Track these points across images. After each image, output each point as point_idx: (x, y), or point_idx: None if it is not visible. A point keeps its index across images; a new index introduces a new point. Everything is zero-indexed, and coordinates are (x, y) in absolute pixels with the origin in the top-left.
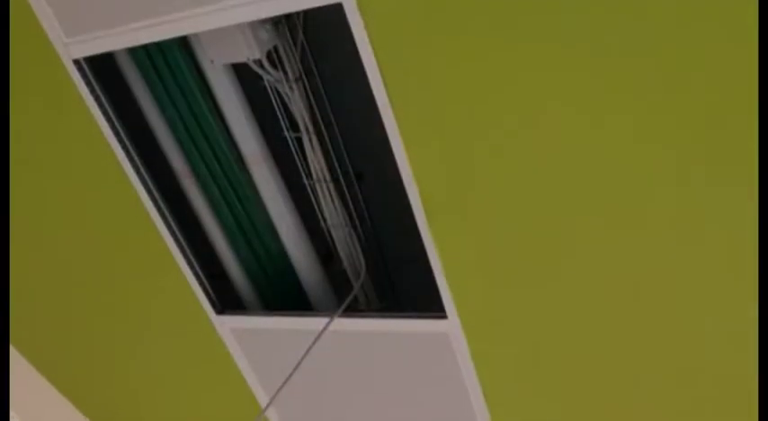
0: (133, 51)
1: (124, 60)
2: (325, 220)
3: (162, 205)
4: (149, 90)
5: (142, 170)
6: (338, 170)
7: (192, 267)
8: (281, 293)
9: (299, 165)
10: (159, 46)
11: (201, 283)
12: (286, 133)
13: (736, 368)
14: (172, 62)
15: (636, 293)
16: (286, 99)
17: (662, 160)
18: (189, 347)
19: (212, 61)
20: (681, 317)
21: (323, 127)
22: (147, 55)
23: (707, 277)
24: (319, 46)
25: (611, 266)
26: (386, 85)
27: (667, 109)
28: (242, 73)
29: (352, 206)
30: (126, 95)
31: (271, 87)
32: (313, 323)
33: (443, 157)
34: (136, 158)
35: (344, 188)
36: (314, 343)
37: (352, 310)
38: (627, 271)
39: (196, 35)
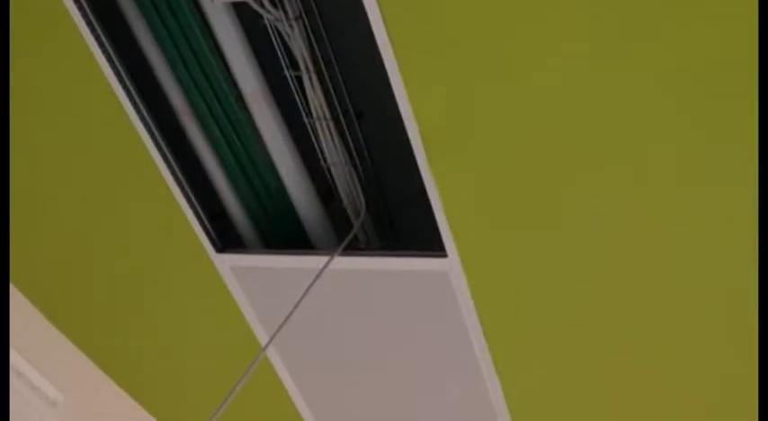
0: None
1: None
2: (325, 159)
3: (162, 143)
4: (149, 29)
5: (142, 108)
6: (338, 109)
7: (191, 206)
8: (281, 232)
9: (299, 103)
10: None
11: (201, 222)
12: (286, 72)
13: (734, 319)
14: (172, 1)
15: (634, 236)
16: (286, 38)
17: (662, 107)
18: (189, 286)
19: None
20: (677, 264)
21: (323, 65)
22: None
23: (705, 224)
24: None
25: (609, 208)
26: (385, 22)
27: (668, 55)
28: (242, 11)
29: (352, 145)
30: (126, 34)
31: (271, 26)
32: (313, 261)
33: (444, 96)
34: (136, 97)
35: (344, 127)
36: (314, 281)
37: (352, 249)
38: (625, 214)
39: None
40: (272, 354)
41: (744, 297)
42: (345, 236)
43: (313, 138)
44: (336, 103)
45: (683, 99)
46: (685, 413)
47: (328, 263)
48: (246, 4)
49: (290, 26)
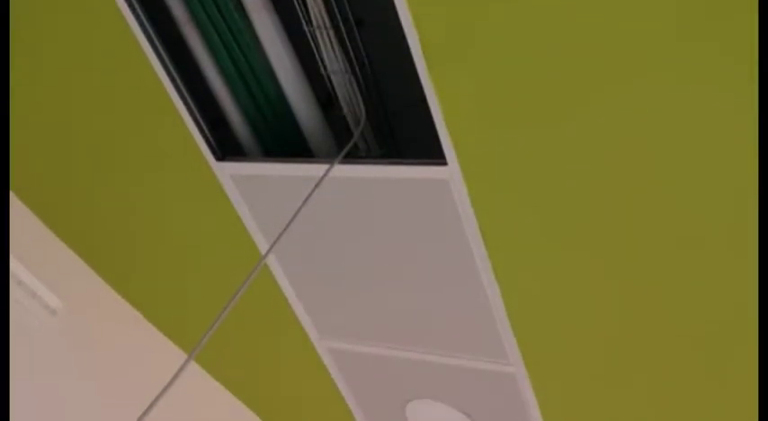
0: None
1: None
2: (325, 67)
3: (162, 52)
4: None
5: (143, 18)
6: (338, 16)
7: (191, 114)
8: (281, 140)
9: (299, 11)
10: None
11: (201, 130)
12: None
13: (735, 224)
14: None
15: (634, 145)
16: None
17: (662, 11)
18: (189, 194)
19: None
20: (679, 169)
21: None
22: None
23: (705, 134)
24: None
25: (610, 118)
26: None
27: None
28: None
29: (352, 53)
30: None
31: None
32: (313, 169)
33: (443, 3)
34: (137, 6)
35: (344, 35)
36: (314, 189)
37: (352, 157)
38: (626, 126)
39: None
40: (273, 263)
41: (744, 198)
42: (345, 144)
43: (313, 47)
44: (336, 10)
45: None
46: (686, 320)
47: (328, 171)
48: None
49: None
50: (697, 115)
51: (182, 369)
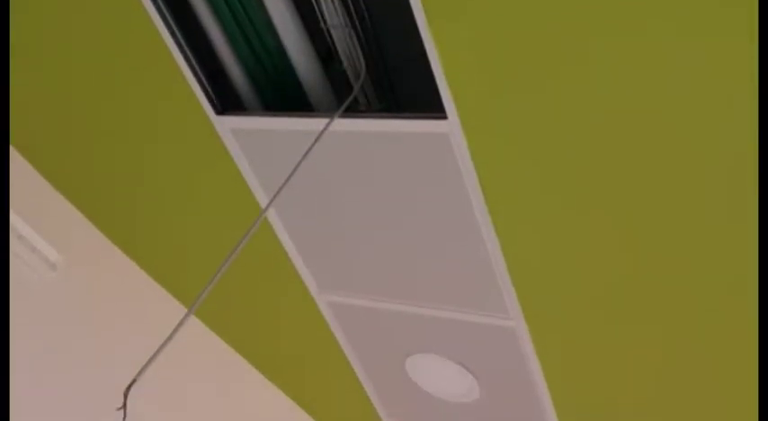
0: None
1: None
2: (324, 21)
3: (162, 5)
4: None
5: None
6: None
7: (191, 67)
8: (281, 94)
9: None
10: None
11: (201, 84)
12: None
13: (735, 187)
14: None
15: (634, 100)
16: None
17: None
18: (189, 148)
19: None
20: (680, 130)
21: None
22: None
23: (705, 84)
24: None
25: (610, 70)
26: None
27: None
28: None
29: (351, 6)
30: None
31: None
32: (313, 123)
33: None
34: None
35: None
36: (314, 143)
37: (352, 111)
38: (626, 78)
39: None
40: (272, 217)
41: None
42: (345, 98)
43: (313, 1)
44: None
45: None
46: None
47: (328, 125)
48: None
49: None
50: (697, 66)
51: (181, 323)
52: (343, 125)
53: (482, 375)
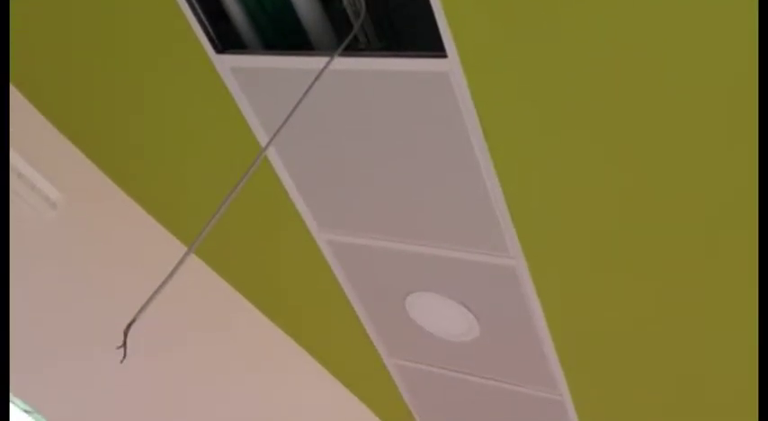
0: None
1: None
2: None
3: None
4: None
5: None
6: None
7: (191, 5)
8: (280, 33)
9: None
10: None
11: (201, 22)
12: None
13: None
14: None
15: (635, 37)
16: None
17: None
18: (189, 87)
19: None
20: (679, 68)
21: None
22: None
23: (704, 21)
24: None
25: (611, 6)
26: None
27: None
28: None
29: None
30: None
31: None
32: (313, 62)
33: None
34: None
35: None
36: (314, 82)
37: (352, 50)
38: (627, 14)
39: None
40: (273, 156)
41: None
42: (345, 37)
43: None
44: None
45: None
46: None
47: (328, 63)
48: None
49: None
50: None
51: (181, 262)
52: (342, 64)
53: (482, 314)
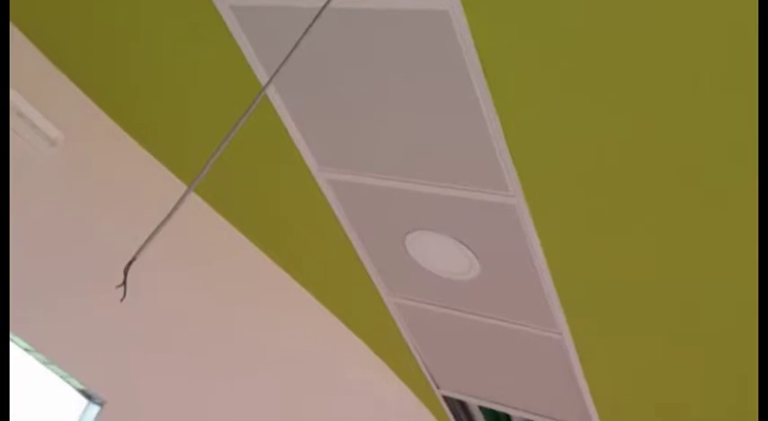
0: None
1: None
2: None
3: None
4: None
5: None
6: None
7: None
8: None
9: None
10: None
11: None
12: None
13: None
14: None
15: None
16: None
17: None
18: (189, 25)
19: None
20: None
21: None
22: None
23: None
24: None
25: None
26: None
27: None
28: None
29: None
30: None
31: None
32: (314, 0)
33: None
34: None
35: None
36: (314, 20)
37: None
38: None
39: None
40: (273, 95)
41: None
42: None
43: None
44: None
45: None
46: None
47: (329, 1)
48: None
49: None
50: None
51: (181, 200)
52: (343, 2)
53: (482, 252)
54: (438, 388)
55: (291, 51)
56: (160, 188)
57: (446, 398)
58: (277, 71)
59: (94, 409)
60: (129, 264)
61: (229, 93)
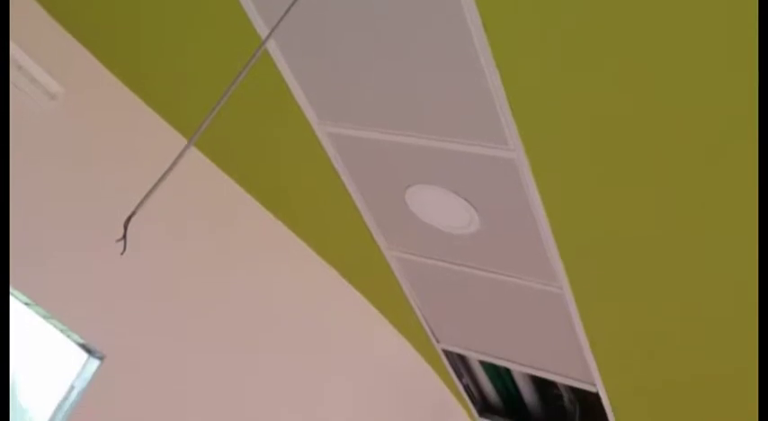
0: None
1: None
2: None
3: None
4: None
5: None
6: None
7: None
8: None
9: None
10: None
11: None
12: None
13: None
14: None
15: None
16: None
17: None
18: None
19: None
20: None
21: None
22: None
23: None
24: None
25: None
26: None
27: None
28: None
29: None
30: None
31: None
32: None
33: None
34: None
35: None
36: None
37: None
38: None
39: None
40: (273, 48)
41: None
42: None
43: None
44: None
45: None
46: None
47: None
48: None
49: None
50: None
51: (181, 154)
52: None
53: (482, 206)
54: (438, 342)
55: (291, 5)
56: (160, 142)
57: (446, 352)
58: (277, 25)
59: (95, 363)
60: (129, 218)
61: (229, 47)
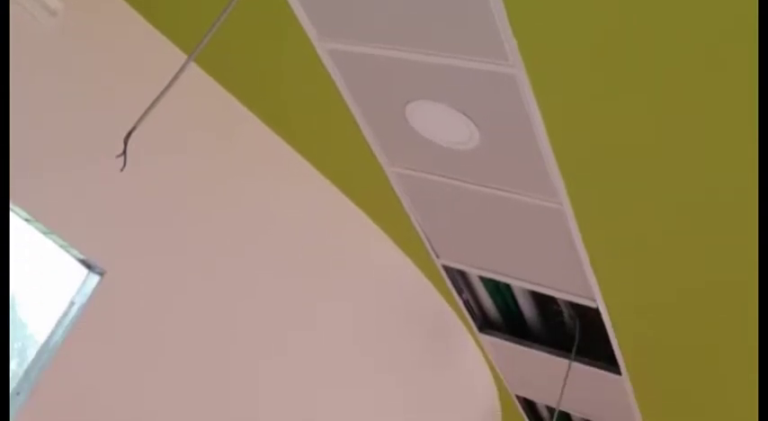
0: None
1: None
2: None
3: None
4: None
5: None
6: None
7: None
8: None
9: None
10: None
11: None
12: None
13: None
14: None
15: None
16: None
17: None
18: None
19: None
20: None
21: None
22: None
23: None
24: None
25: None
26: None
27: None
28: None
29: None
30: None
31: None
32: None
33: None
34: None
35: None
36: None
37: None
38: None
39: None
40: None
41: None
42: None
43: None
44: None
45: None
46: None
47: None
48: None
49: None
50: None
51: (181, 70)
52: None
53: (482, 122)
54: (438, 257)
55: None
56: (161, 58)
57: (446, 268)
58: None
59: (94, 279)
60: (129, 133)
61: None
